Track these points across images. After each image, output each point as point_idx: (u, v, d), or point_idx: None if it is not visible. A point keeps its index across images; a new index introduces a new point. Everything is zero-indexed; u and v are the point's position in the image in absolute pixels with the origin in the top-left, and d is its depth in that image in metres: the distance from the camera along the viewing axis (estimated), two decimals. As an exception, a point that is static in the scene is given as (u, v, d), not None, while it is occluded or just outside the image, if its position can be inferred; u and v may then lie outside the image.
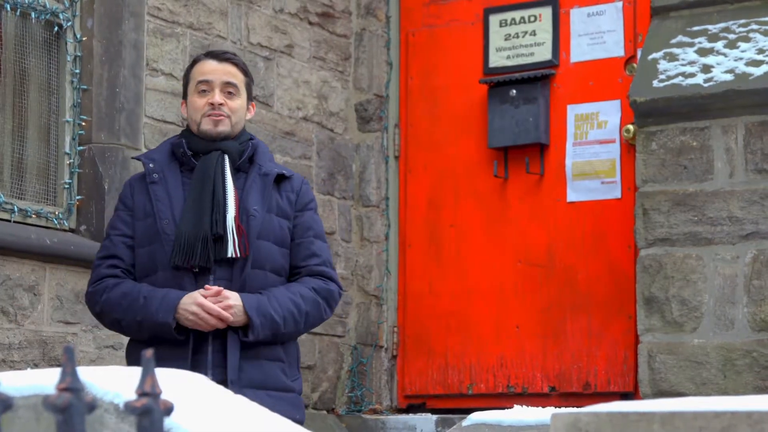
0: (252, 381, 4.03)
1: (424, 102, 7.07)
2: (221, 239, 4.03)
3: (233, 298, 3.98)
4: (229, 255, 4.03)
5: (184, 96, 4.28)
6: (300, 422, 4.13)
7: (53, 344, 5.33)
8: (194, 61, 4.30)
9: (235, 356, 4.01)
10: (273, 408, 3.86)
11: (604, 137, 6.54)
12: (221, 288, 3.99)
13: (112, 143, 5.64)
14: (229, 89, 4.19)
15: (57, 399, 1.74)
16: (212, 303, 3.96)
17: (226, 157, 4.13)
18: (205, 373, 3.96)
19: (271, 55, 6.48)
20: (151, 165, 4.19)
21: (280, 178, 4.21)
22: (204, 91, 4.18)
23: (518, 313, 6.66)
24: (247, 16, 6.41)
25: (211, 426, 2.19)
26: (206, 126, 4.15)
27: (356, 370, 6.93)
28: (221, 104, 4.15)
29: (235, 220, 4.05)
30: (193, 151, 4.17)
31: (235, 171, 4.15)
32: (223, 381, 3.98)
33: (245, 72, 4.28)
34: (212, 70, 4.21)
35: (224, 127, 4.16)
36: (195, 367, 3.98)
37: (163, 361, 3.79)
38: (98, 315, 4.20)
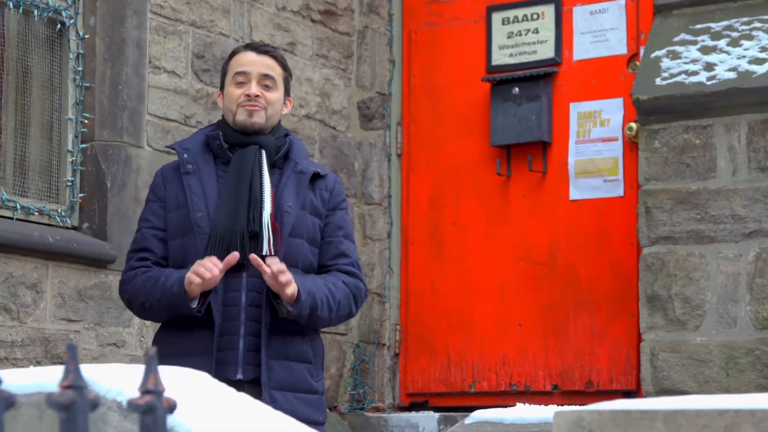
0: (281, 383, 4.00)
1: (426, 100, 7.07)
2: (256, 236, 3.99)
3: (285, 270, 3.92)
4: (264, 253, 3.98)
5: (221, 88, 4.23)
6: (322, 423, 4.13)
7: (56, 342, 5.33)
8: (233, 53, 4.25)
9: (265, 356, 3.98)
10: (297, 410, 3.86)
11: (606, 135, 6.54)
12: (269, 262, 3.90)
13: (115, 141, 5.64)
14: (266, 82, 4.14)
15: (60, 397, 1.74)
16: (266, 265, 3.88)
17: (264, 152, 4.09)
18: (236, 371, 3.95)
19: (273, 53, 6.48)
20: (185, 155, 4.13)
21: (315, 177, 4.17)
22: (241, 82, 4.13)
23: (520, 311, 6.66)
24: (249, 13, 6.41)
25: (214, 424, 2.19)
26: (241, 116, 4.10)
27: (359, 368, 6.94)
28: (257, 95, 4.11)
29: (271, 218, 4.01)
30: (228, 144, 4.12)
31: (270, 166, 4.11)
32: (254, 380, 3.96)
33: (284, 66, 4.24)
34: (250, 61, 4.16)
35: (259, 119, 4.11)
36: (223, 363, 3.94)
37: (188, 356, 3.80)
38: (128, 303, 4.17)
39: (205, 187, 4.08)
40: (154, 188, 4.20)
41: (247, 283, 4.01)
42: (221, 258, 3.95)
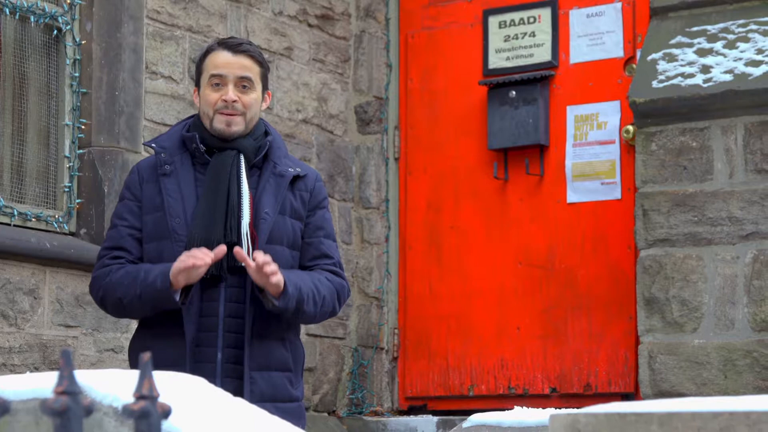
0: (263, 394, 3.93)
1: (423, 104, 7.07)
2: (235, 246, 3.89)
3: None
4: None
5: (197, 84, 4.11)
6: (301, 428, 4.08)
7: (53, 348, 5.33)
8: (207, 50, 4.11)
9: (248, 368, 3.92)
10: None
11: (603, 138, 6.55)
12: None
13: (112, 146, 5.64)
14: (243, 83, 4.02)
15: (54, 402, 1.74)
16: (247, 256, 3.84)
17: (242, 157, 4.00)
18: (213, 383, 3.86)
19: (270, 58, 6.48)
20: (162, 155, 4.03)
21: (295, 177, 4.07)
22: (217, 84, 4.01)
23: (519, 314, 6.66)
24: (246, 18, 6.41)
25: (208, 429, 2.19)
26: (219, 125, 4.00)
27: (357, 372, 6.94)
28: (235, 101, 4.00)
29: (249, 227, 3.93)
30: (206, 146, 4.02)
31: (249, 167, 4.01)
32: (234, 392, 3.86)
33: (261, 63, 4.09)
34: (226, 63, 4.03)
35: (238, 127, 4.01)
36: (200, 375, 3.83)
37: (163, 367, 3.71)
38: (101, 300, 4.05)
39: (183, 191, 3.99)
40: (130, 186, 4.09)
41: (226, 293, 3.93)
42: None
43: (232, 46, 4.09)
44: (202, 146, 4.03)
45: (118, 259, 4.02)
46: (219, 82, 4.03)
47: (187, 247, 3.91)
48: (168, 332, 3.93)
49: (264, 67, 4.13)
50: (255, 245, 3.95)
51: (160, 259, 3.96)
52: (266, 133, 4.13)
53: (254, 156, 4.05)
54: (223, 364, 3.93)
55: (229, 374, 3.93)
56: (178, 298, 3.86)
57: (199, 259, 3.81)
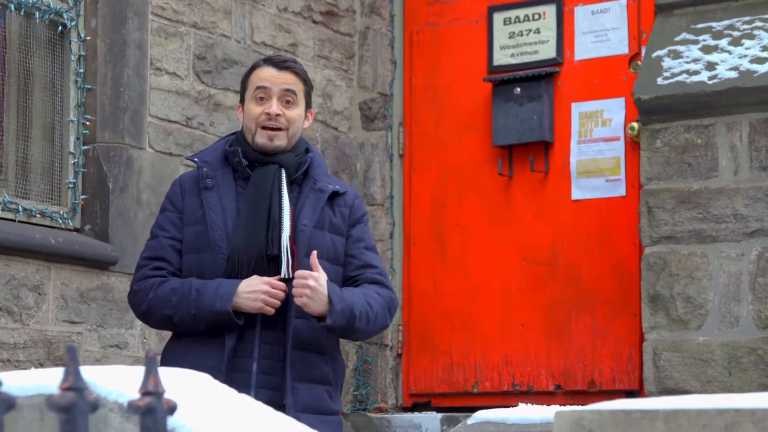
0: (306, 405, 3.96)
1: (428, 100, 7.07)
2: (275, 258, 3.97)
3: (315, 279, 3.92)
4: (282, 275, 3.96)
5: (242, 100, 4.18)
6: None
7: (58, 344, 5.33)
8: (253, 67, 4.19)
9: (290, 378, 3.95)
10: (318, 430, 3.83)
11: (608, 135, 6.54)
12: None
13: (117, 143, 5.64)
14: (287, 97, 4.09)
15: (60, 398, 1.74)
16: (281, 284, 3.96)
17: (284, 172, 4.05)
18: (248, 393, 3.84)
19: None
20: (204, 169, 4.09)
21: (334, 194, 4.13)
22: (261, 98, 4.08)
23: (523, 312, 6.66)
24: (251, 14, 6.41)
25: (214, 425, 2.20)
26: (261, 139, 4.06)
27: (361, 369, 6.94)
28: (278, 115, 4.06)
29: (289, 240, 3.98)
30: (248, 161, 4.08)
31: (289, 183, 4.07)
32: (269, 403, 3.86)
33: (305, 81, 4.17)
34: (271, 77, 4.11)
35: (280, 142, 4.07)
36: (236, 385, 3.81)
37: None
38: (144, 313, 4.08)
39: (224, 205, 4.04)
40: (172, 198, 4.15)
41: None
42: (238, 278, 3.97)
43: (278, 62, 4.17)
44: (244, 160, 4.07)
45: (159, 270, 4.06)
46: (263, 95, 4.10)
47: (229, 259, 3.98)
48: (204, 340, 3.98)
49: (308, 85, 4.20)
50: (295, 258, 3.99)
51: (200, 271, 4.02)
52: (307, 150, 4.18)
53: (295, 171, 4.10)
54: (258, 374, 3.96)
55: (264, 385, 3.96)
56: (238, 320, 3.95)
57: (277, 298, 3.94)
